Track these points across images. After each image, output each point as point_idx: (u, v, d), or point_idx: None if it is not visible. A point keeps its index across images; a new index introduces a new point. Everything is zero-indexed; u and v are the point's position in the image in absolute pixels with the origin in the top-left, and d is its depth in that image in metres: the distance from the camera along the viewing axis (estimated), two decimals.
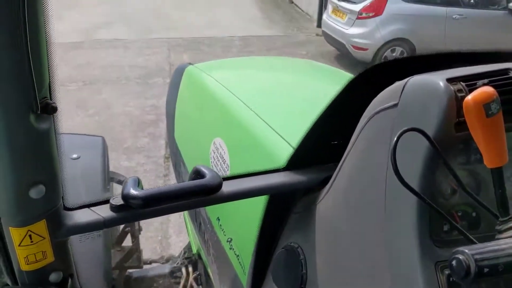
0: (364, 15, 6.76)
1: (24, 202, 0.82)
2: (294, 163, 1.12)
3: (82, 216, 0.94)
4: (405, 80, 0.78)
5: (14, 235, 0.85)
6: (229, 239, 1.44)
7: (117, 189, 2.12)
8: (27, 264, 0.90)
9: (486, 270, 0.59)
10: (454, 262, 0.61)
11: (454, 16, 6.75)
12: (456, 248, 0.62)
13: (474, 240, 0.70)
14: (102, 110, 5.40)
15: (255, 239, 1.23)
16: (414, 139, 0.70)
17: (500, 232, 0.69)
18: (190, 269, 2.14)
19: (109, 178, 1.95)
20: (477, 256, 0.59)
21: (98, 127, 4.92)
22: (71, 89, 5.92)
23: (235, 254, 1.40)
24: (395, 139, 0.68)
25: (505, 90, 0.72)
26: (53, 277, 0.96)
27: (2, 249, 0.91)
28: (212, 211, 1.58)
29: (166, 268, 2.22)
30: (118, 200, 0.93)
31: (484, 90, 0.68)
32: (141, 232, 2.20)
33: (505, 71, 0.77)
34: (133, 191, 0.90)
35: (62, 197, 0.91)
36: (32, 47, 0.68)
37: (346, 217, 0.93)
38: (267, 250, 1.24)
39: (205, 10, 10.05)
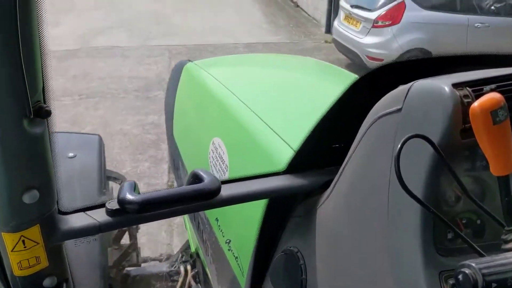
0: (380, 23, 6.30)
1: (17, 207, 0.81)
2: (294, 166, 1.10)
3: (77, 221, 0.92)
4: (410, 84, 0.77)
5: (7, 240, 0.84)
6: (228, 240, 1.43)
7: (114, 188, 2.09)
8: (20, 269, 0.88)
9: (494, 285, 0.56)
10: (460, 277, 0.58)
11: (476, 25, 6.30)
12: (462, 262, 0.59)
13: (479, 249, 0.68)
14: (99, 128, 4.95)
15: (254, 241, 1.21)
16: (417, 145, 0.69)
17: (506, 242, 0.67)
18: (189, 267, 2.12)
19: (105, 176, 1.91)
20: (485, 271, 0.57)
21: None
22: (66, 104, 5.49)
23: (234, 256, 1.38)
24: (399, 146, 0.67)
25: None
26: (47, 282, 0.94)
27: None
28: (210, 212, 1.56)
29: (164, 266, 2.20)
30: (114, 205, 0.91)
31: (492, 97, 0.65)
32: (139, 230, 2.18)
33: None
34: (129, 196, 0.89)
35: (57, 202, 0.90)
36: (25, 50, 0.67)
37: (347, 222, 0.91)
38: (266, 252, 1.21)
39: (208, 14, 9.60)
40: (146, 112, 5.39)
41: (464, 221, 0.75)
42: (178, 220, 3.35)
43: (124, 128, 5.04)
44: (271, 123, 1.35)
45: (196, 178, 0.97)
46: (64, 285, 0.98)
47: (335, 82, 1.37)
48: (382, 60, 6.34)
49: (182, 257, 2.20)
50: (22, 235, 0.84)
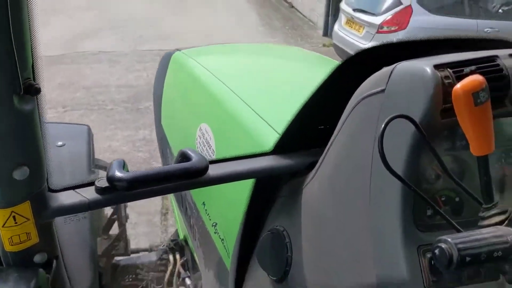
0: (385, 29, 5.93)
1: (8, 183, 0.83)
2: (281, 147, 1.12)
3: (67, 198, 0.94)
4: (393, 66, 0.79)
5: None
6: (214, 223, 1.44)
7: (103, 176, 1.89)
8: (11, 245, 0.90)
9: (468, 259, 0.59)
10: (437, 251, 0.61)
11: (485, 30, 5.97)
12: (439, 237, 0.62)
13: (456, 225, 0.70)
14: None
15: (240, 222, 1.22)
16: (400, 125, 0.71)
17: (484, 218, 0.69)
18: (178, 255, 2.12)
19: (94, 165, 1.91)
20: (460, 246, 0.60)
21: None
22: (49, 117, 5.05)
23: (220, 238, 1.40)
24: (383, 125, 0.68)
25: (492, 77, 0.73)
26: (38, 258, 0.96)
27: None
28: (197, 196, 1.58)
29: (154, 255, 2.20)
30: (103, 182, 0.93)
31: (474, 79, 0.67)
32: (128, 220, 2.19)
33: (492, 58, 0.77)
34: (118, 173, 0.90)
35: (47, 179, 0.91)
36: (15, 27, 0.68)
37: (331, 202, 0.93)
38: (252, 233, 1.22)
39: (201, 16, 9.17)
40: (136, 127, 4.99)
41: (443, 199, 0.78)
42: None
43: (113, 145, 4.64)
44: (256, 108, 1.36)
45: (184, 157, 0.99)
46: (54, 261, 1.00)
47: (321, 69, 1.31)
48: None
49: (171, 245, 2.17)
50: (12, 211, 0.86)
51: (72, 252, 1.29)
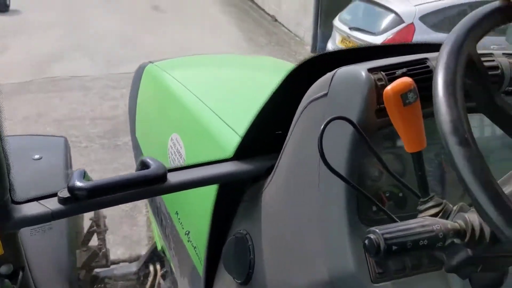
0: None
1: None
2: (241, 153, 1.15)
3: (30, 209, 0.96)
4: (334, 71, 0.84)
5: None
6: (187, 232, 1.48)
7: None
8: None
9: (394, 248, 0.62)
10: (367, 241, 0.64)
11: (492, 47, 5.58)
12: (369, 228, 0.65)
13: (396, 219, 0.75)
14: None
15: (208, 229, 1.24)
16: (341, 126, 0.75)
17: (421, 211, 0.73)
18: (158, 266, 2.13)
19: None
20: (387, 235, 0.62)
21: None
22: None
23: (193, 246, 1.43)
24: (322, 126, 0.72)
25: (422, 78, 0.79)
26: (4, 269, 0.99)
27: None
28: (171, 206, 1.62)
29: (134, 267, 2.22)
30: (65, 193, 0.95)
31: (403, 81, 0.71)
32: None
33: (423, 60, 0.83)
34: (78, 183, 0.93)
35: (10, 191, 0.93)
36: None
37: (286, 204, 0.97)
38: (219, 239, 1.24)
39: (180, 32, 8.59)
40: (115, 168, 4.36)
41: (387, 194, 0.82)
42: None
43: None
44: (223, 116, 1.42)
45: (143, 165, 1.02)
46: (21, 272, 1.03)
47: None
48: None
49: (150, 257, 2.19)
50: None
51: (40, 263, 1.31)
